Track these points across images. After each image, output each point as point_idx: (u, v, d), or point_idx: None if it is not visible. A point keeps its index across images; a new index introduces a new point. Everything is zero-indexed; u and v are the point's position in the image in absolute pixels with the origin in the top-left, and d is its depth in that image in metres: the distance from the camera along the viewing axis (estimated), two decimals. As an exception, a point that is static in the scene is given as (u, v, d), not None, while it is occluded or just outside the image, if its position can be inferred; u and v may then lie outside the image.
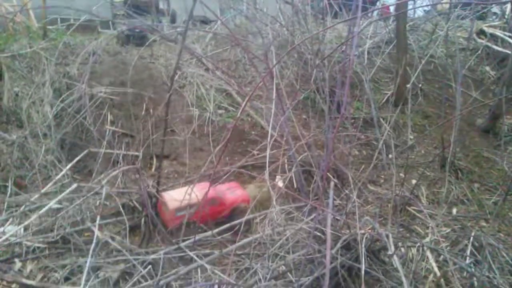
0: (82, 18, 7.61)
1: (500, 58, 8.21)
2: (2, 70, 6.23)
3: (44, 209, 3.59)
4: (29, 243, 4.15)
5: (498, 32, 8.58)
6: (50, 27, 8.59)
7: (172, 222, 4.52)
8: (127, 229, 4.34)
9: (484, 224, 5.04)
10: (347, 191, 4.71)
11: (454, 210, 5.34)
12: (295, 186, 5.44)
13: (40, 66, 6.56)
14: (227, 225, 4.44)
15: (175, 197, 4.57)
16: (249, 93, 7.10)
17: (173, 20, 13.09)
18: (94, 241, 3.41)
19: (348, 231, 4.11)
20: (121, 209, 4.51)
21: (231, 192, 5.11)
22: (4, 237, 3.57)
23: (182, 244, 3.62)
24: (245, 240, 3.81)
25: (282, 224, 3.88)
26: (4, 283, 3.81)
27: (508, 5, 9.14)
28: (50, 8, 8.71)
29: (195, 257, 3.07)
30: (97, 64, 6.93)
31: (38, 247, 4.28)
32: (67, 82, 6.46)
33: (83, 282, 2.84)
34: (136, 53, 7.45)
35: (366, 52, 7.91)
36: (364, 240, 3.52)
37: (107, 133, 5.83)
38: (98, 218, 4.12)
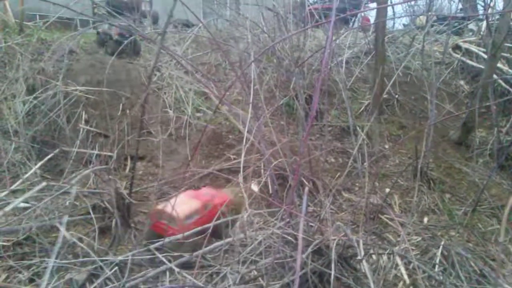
0: (59, 13, 7.50)
1: (474, 73, 8.45)
2: (-26, 64, 6.06)
3: (9, 207, 3.47)
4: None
5: (473, 48, 8.83)
6: (28, 23, 8.42)
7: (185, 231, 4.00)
8: (96, 230, 4.24)
9: (453, 233, 5.13)
10: (321, 198, 4.73)
11: (425, 219, 5.42)
12: (270, 191, 5.44)
13: (15, 62, 6.40)
14: (199, 228, 4.38)
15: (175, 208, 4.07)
16: (226, 96, 7.12)
17: (155, 22, 12.99)
18: (60, 241, 3.32)
19: (320, 237, 4.13)
20: (90, 210, 4.41)
21: (215, 196, 4.84)
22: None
23: (152, 246, 3.55)
24: (216, 244, 3.77)
25: (254, 228, 3.86)
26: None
27: (484, 22, 9.42)
28: (28, 2, 8.52)
29: (164, 259, 3.02)
30: (74, 62, 6.82)
31: (3, 246, 4.14)
32: (42, 79, 6.31)
33: (45, 283, 2.74)
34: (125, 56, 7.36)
35: (344, 62, 8.01)
36: (335, 246, 3.54)
37: (81, 132, 5.73)
38: (66, 218, 4.03)
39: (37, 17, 10.65)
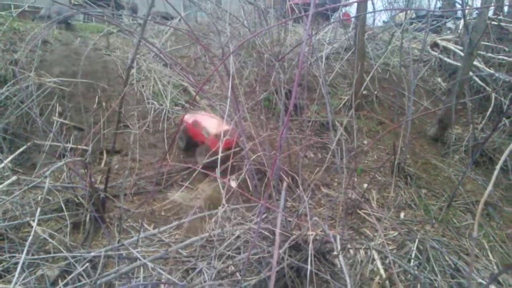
0: (30, 3, 7.33)
1: (452, 70, 8.57)
2: None
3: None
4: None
5: (451, 46, 8.96)
6: (1, 12, 8.13)
7: (214, 145, 5.51)
8: (69, 226, 4.12)
9: (429, 228, 5.19)
10: (299, 193, 4.72)
11: (402, 214, 5.48)
12: (249, 186, 5.40)
13: (-15, 52, 6.17)
14: (175, 223, 4.31)
15: (210, 124, 5.77)
16: (206, 89, 7.03)
17: (134, 13, 12.78)
18: (31, 236, 3.20)
19: (298, 232, 4.11)
20: (62, 204, 4.28)
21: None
22: None
23: (126, 242, 3.46)
24: (193, 239, 3.71)
25: (232, 224, 3.82)
26: None
27: (462, 20, 9.56)
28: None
29: (138, 256, 2.95)
30: (48, 53, 6.61)
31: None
32: (14, 70, 6.10)
33: (15, 279, 2.64)
34: (91, 43, 7.17)
35: (324, 57, 8.01)
36: (313, 241, 3.52)
37: (55, 125, 5.57)
38: (38, 212, 3.90)
39: (12, 6, 10.32)
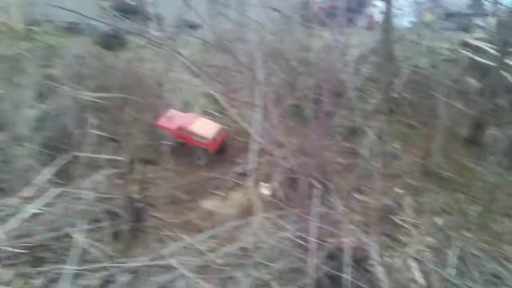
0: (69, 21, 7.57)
1: (484, 70, 8.32)
2: (-17, 71, 6.10)
3: (25, 214, 3.50)
4: (9, 249, 4.03)
5: (482, 44, 8.69)
6: (35, 28, 8.46)
7: (213, 148, 6.10)
8: (109, 236, 4.26)
9: (467, 234, 5.07)
10: (331, 199, 4.71)
11: (438, 220, 5.37)
12: (279, 194, 5.41)
13: (23, 68, 6.43)
14: (210, 232, 4.39)
15: (203, 129, 6.14)
16: (234, 98, 7.11)
17: (159, 24, 13.01)
18: (81, 249, 3.33)
19: (332, 239, 4.11)
20: (103, 215, 4.43)
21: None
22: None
23: (164, 252, 3.55)
24: (229, 248, 3.76)
25: (266, 233, 3.85)
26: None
27: (492, 18, 9.30)
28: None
29: (176, 266, 3.01)
30: (82, 67, 6.83)
31: (17, 253, 4.15)
32: (51, 85, 6.34)
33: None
34: (123, 57, 7.38)
35: (352, 62, 7.95)
36: (349, 249, 3.52)
37: (91, 137, 5.75)
38: (81, 224, 4.06)
39: (43, 22, 10.69)
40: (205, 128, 6.14)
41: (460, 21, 8.73)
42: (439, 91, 6.61)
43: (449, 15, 10.74)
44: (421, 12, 10.56)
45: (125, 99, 6.54)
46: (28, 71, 6.32)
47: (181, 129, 6.07)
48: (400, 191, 5.64)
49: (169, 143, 5.93)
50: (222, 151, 6.14)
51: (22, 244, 4.19)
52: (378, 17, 10.50)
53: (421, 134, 6.86)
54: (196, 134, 6.03)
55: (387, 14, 7.55)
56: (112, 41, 6.83)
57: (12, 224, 3.80)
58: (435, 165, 5.90)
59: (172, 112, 6.38)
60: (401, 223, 5.11)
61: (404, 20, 10.87)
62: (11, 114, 5.81)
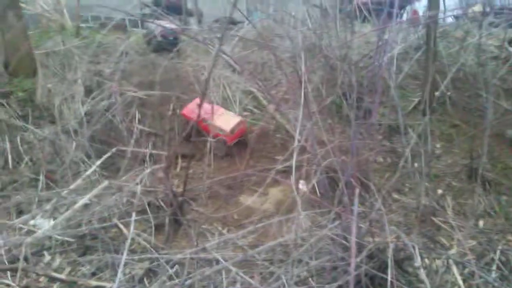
0: (115, 17, 7.80)
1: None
2: (36, 67, 6.42)
3: (77, 205, 3.70)
4: (58, 237, 4.26)
5: (532, 41, 8.34)
6: (82, 25, 8.82)
7: (231, 140, 6.21)
8: (153, 227, 4.43)
9: (510, 237, 4.93)
10: (371, 199, 4.68)
11: (481, 223, 5.24)
12: (317, 191, 5.43)
13: (73, 64, 6.75)
14: (251, 228, 4.47)
15: (222, 121, 6.27)
16: (273, 94, 7.15)
17: (200, 20, 13.21)
18: (127, 239, 3.49)
19: (371, 239, 4.10)
20: (147, 207, 4.60)
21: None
22: (40, 231, 3.67)
23: (207, 246, 3.67)
24: (270, 244, 3.83)
25: (306, 230, 3.89)
26: (34, 275, 3.95)
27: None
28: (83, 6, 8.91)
29: (221, 259, 3.12)
30: (127, 64, 7.07)
31: (67, 241, 4.40)
32: (98, 80, 6.62)
33: (118, 279, 2.91)
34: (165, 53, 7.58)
35: (394, 58, 7.80)
36: (389, 249, 3.50)
37: (135, 131, 5.96)
38: (126, 215, 4.23)
39: (89, 18, 11.11)
40: (224, 120, 6.25)
41: (508, 17, 8.37)
42: (485, 90, 6.39)
43: (497, 11, 10.34)
44: (467, 6, 10.24)
45: (167, 95, 6.72)
46: (77, 67, 6.63)
47: (202, 119, 6.12)
48: (442, 192, 5.53)
49: (207, 139, 6.00)
50: (243, 143, 6.31)
51: (72, 233, 4.40)
52: (422, 13, 10.28)
53: (464, 134, 6.67)
54: (215, 126, 6.17)
55: (431, 10, 7.34)
56: (164, 44, 6.89)
57: (64, 214, 4.02)
58: (479, 167, 5.72)
59: (196, 101, 6.34)
60: (442, 225, 5.02)
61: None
62: (62, 108, 6.12)
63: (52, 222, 4.60)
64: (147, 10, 13.43)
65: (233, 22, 10.83)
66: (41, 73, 6.38)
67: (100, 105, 6.19)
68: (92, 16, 11.22)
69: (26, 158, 5.57)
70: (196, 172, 6.00)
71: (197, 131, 5.56)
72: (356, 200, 3.87)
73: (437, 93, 7.10)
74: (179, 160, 6.15)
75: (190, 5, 12.68)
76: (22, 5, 7.32)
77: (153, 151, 5.71)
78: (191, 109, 6.39)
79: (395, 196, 5.65)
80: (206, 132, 6.31)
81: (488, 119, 5.87)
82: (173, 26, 7.41)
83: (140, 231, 4.57)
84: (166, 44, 7.24)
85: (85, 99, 6.27)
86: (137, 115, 6.42)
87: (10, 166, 5.49)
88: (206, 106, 6.48)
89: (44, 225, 4.53)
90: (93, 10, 11.09)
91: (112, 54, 7.17)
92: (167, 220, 4.79)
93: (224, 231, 4.93)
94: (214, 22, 11.61)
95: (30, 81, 6.26)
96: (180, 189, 5.09)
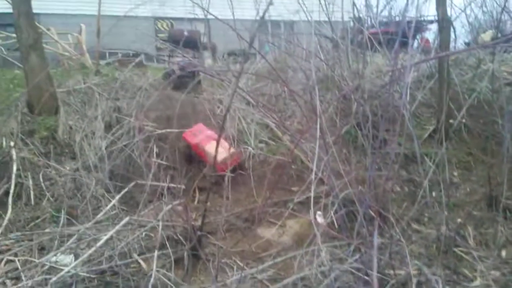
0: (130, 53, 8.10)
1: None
2: (58, 105, 6.65)
3: (101, 242, 3.77)
4: (80, 274, 4.30)
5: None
6: (101, 62, 9.14)
7: (221, 170, 5.92)
8: (172, 262, 4.45)
9: (536, 268, 4.81)
10: (390, 231, 4.65)
11: (503, 253, 5.13)
12: (335, 223, 5.41)
13: (93, 101, 6.97)
14: (270, 262, 4.46)
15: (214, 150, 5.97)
16: (287, 125, 7.24)
17: (213, 54, 13.53)
18: (147, 275, 3.51)
19: (392, 271, 4.05)
20: (166, 242, 4.63)
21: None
22: (65, 269, 3.73)
23: (228, 281, 3.67)
24: (291, 278, 3.82)
25: (325, 263, 3.87)
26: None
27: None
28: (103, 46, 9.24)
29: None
30: (144, 99, 7.27)
31: (87, 277, 4.43)
32: (117, 116, 6.81)
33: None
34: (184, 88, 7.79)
35: (407, 87, 7.86)
36: (409, 282, 3.47)
37: (153, 165, 6.06)
38: (146, 250, 4.27)
39: (107, 54, 11.52)
40: (218, 150, 6.27)
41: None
42: (501, 117, 6.39)
43: (509, 38, 10.40)
44: (479, 34, 10.34)
45: (183, 127, 6.86)
46: (98, 104, 6.84)
47: (198, 145, 6.34)
48: (462, 221, 5.45)
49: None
50: (236, 172, 6.35)
51: (93, 269, 4.44)
52: (433, 41, 10.39)
53: (482, 162, 6.63)
54: (209, 154, 6.18)
55: (442, 37, 7.44)
56: (185, 81, 7.09)
57: (88, 251, 4.08)
58: (499, 195, 5.65)
59: (199, 127, 6.69)
60: (464, 255, 4.94)
61: (460, 42, 10.66)
62: (82, 144, 6.28)
63: (73, 257, 4.66)
64: (162, 45, 13.86)
65: (247, 56, 11.10)
66: (63, 111, 6.60)
67: (119, 141, 6.33)
68: (110, 52, 11.60)
69: (48, 194, 5.69)
70: (213, 204, 6.04)
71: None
72: (375, 232, 3.86)
73: (451, 121, 7.11)
74: (197, 193, 6.20)
75: (204, 39, 13.02)
76: (44, 45, 7.65)
77: (171, 185, 5.78)
78: (191, 134, 6.56)
79: (415, 226, 5.59)
80: (201, 157, 6.45)
81: (506, 146, 5.84)
82: (190, 60, 7.67)
83: (159, 267, 4.59)
84: (185, 79, 7.42)
85: (105, 134, 6.43)
86: (155, 149, 6.54)
87: (33, 202, 5.60)
88: (206, 132, 6.67)
89: (65, 261, 4.59)
90: (111, 47, 11.45)
91: (130, 90, 7.38)
92: (185, 255, 4.81)
93: (243, 265, 4.91)
94: (228, 55, 11.90)
95: (52, 119, 6.47)
96: (198, 223, 5.12)
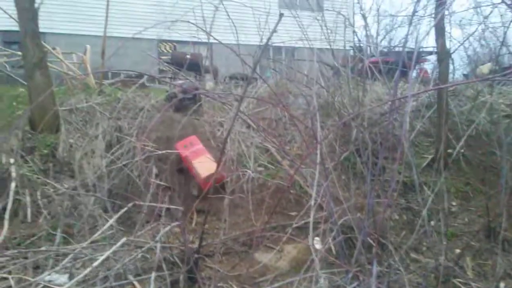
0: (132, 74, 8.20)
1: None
2: (59, 123, 6.69)
3: (97, 262, 3.74)
4: (76, 294, 4.23)
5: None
6: (104, 83, 9.25)
7: (205, 186, 6.15)
8: (168, 285, 4.39)
9: (535, 302, 4.77)
10: (389, 259, 4.62)
11: (502, 285, 5.09)
12: (332, 249, 5.38)
13: (94, 120, 7.02)
14: (266, 287, 4.41)
15: (200, 165, 6.35)
16: (287, 150, 7.27)
17: (215, 77, 13.70)
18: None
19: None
20: (163, 264, 4.58)
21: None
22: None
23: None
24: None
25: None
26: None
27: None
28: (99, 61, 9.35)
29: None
30: (146, 120, 7.33)
31: (82, 298, 4.36)
32: (118, 136, 6.84)
33: None
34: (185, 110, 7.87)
35: (407, 116, 7.96)
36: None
37: (152, 186, 6.05)
38: (142, 272, 4.23)
39: (109, 75, 11.64)
40: (204, 166, 6.38)
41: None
42: (499, 148, 6.45)
43: (505, 68, 10.62)
44: (477, 66, 10.54)
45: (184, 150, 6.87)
46: (99, 123, 6.88)
47: (186, 158, 6.45)
48: (461, 251, 5.43)
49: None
50: (218, 190, 6.19)
51: (87, 289, 4.37)
52: (432, 72, 10.58)
53: (480, 192, 6.66)
54: (195, 168, 6.36)
55: (441, 69, 7.58)
56: (186, 103, 7.21)
57: (84, 272, 4.03)
58: (497, 226, 5.65)
59: (191, 139, 6.79)
60: (463, 287, 4.89)
61: (459, 74, 10.84)
62: (82, 163, 6.29)
63: (67, 277, 4.60)
64: (164, 67, 14.05)
65: (243, 79, 11.26)
66: (64, 129, 6.63)
67: (119, 160, 6.34)
68: (112, 72, 11.73)
69: (45, 212, 5.65)
70: (211, 227, 6.01)
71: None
72: (374, 261, 3.84)
73: (449, 150, 7.17)
74: (194, 215, 6.18)
75: (206, 62, 13.21)
76: (49, 64, 7.75)
77: (169, 206, 5.76)
78: (183, 145, 6.64)
79: (413, 255, 5.56)
80: (189, 170, 6.51)
81: (504, 178, 5.88)
82: (192, 83, 7.76)
83: (155, 289, 4.53)
84: (186, 101, 7.51)
85: (105, 154, 6.44)
86: (154, 170, 6.54)
87: (29, 220, 5.56)
88: (197, 146, 6.74)
89: (59, 280, 4.52)
90: (114, 68, 11.59)
91: (132, 110, 7.44)
92: (181, 278, 4.76)
93: (238, 289, 4.85)
94: (230, 79, 12.05)
95: (53, 137, 6.49)
96: (195, 245, 5.08)
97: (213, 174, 6.25)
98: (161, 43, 19.40)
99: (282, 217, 6.20)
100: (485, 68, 11.30)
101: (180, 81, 8.40)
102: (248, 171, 6.70)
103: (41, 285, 4.34)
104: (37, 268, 4.81)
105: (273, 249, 5.49)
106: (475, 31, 9.60)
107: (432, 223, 5.90)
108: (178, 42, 18.02)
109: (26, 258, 4.86)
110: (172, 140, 6.53)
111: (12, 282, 4.46)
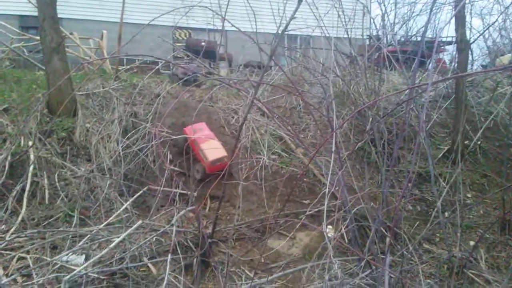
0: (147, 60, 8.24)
1: None
2: (76, 107, 6.76)
3: (114, 243, 3.81)
4: (91, 274, 4.33)
5: None
6: (120, 68, 9.29)
7: (210, 170, 6.26)
8: (182, 268, 4.46)
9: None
10: (402, 249, 4.62)
11: (516, 278, 5.05)
12: (345, 238, 5.39)
13: (111, 105, 7.08)
14: (279, 273, 4.45)
15: (208, 149, 6.37)
16: (301, 139, 7.25)
17: (230, 64, 13.67)
18: (157, 279, 3.54)
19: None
20: (177, 247, 4.65)
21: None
22: (77, 269, 3.78)
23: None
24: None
25: (337, 278, 3.86)
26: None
27: None
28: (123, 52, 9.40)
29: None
30: (161, 106, 7.36)
31: (97, 278, 4.46)
32: (133, 121, 6.90)
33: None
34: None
35: (424, 106, 7.87)
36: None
37: (167, 171, 6.11)
38: (156, 254, 4.29)
39: (125, 60, 11.68)
40: (212, 150, 6.42)
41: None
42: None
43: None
44: (497, 57, 10.32)
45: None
46: (115, 108, 6.95)
47: (195, 141, 6.45)
48: (475, 243, 5.39)
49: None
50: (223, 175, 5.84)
51: (103, 270, 4.47)
52: (450, 62, 10.40)
53: (496, 185, 6.58)
54: (202, 151, 6.36)
55: (461, 59, 7.46)
56: (186, 82, 7.55)
57: (101, 252, 4.11)
58: (511, 218, 5.60)
59: (201, 125, 6.83)
60: (476, 278, 4.87)
61: (477, 65, 10.64)
62: (98, 147, 6.37)
63: (83, 258, 4.70)
64: (178, 54, 14.07)
65: (259, 66, 11.23)
66: (81, 113, 6.70)
67: (134, 145, 6.41)
68: (128, 59, 11.78)
69: (62, 194, 5.75)
70: (224, 212, 6.05)
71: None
72: (387, 249, 3.84)
73: (466, 142, 7.08)
74: (208, 201, 6.23)
75: (220, 50, 13.18)
76: (66, 49, 7.80)
77: (183, 191, 5.82)
78: (192, 129, 6.63)
79: (426, 246, 5.54)
80: (196, 153, 6.50)
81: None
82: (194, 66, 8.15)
83: (170, 272, 4.60)
84: (186, 80, 8.33)
85: (121, 138, 6.51)
86: (169, 155, 6.60)
87: (47, 201, 5.67)
88: (205, 132, 6.74)
89: (76, 261, 4.62)
90: (130, 53, 11.61)
91: (148, 96, 7.48)
92: (195, 261, 4.83)
93: (251, 275, 4.90)
94: (244, 67, 12.00)
95: (70, 121, 6.57)
96: (208, 230, 5.14)
97: (220, 159, 6.37)
98: (176, 30, 19.34)
99: (295, 204, 6.21)
100: (505, 59, 11.06)
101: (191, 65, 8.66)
102: (263, 157, 6.72)
103: (58, 265, 4.46)
104: (55, 249, 4.93)
105: (285, 236, 5.52)
106: (495, 21, 9.39)
107: (446, 214, 5.87)
108: (193, 29, 17.94)
109: (44, 238, 4.98)
110: (185, 125, 6.58)
111: (30, 262, 4.59)
